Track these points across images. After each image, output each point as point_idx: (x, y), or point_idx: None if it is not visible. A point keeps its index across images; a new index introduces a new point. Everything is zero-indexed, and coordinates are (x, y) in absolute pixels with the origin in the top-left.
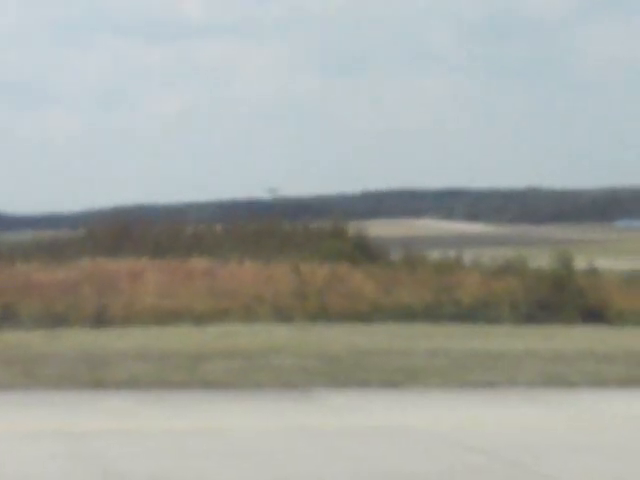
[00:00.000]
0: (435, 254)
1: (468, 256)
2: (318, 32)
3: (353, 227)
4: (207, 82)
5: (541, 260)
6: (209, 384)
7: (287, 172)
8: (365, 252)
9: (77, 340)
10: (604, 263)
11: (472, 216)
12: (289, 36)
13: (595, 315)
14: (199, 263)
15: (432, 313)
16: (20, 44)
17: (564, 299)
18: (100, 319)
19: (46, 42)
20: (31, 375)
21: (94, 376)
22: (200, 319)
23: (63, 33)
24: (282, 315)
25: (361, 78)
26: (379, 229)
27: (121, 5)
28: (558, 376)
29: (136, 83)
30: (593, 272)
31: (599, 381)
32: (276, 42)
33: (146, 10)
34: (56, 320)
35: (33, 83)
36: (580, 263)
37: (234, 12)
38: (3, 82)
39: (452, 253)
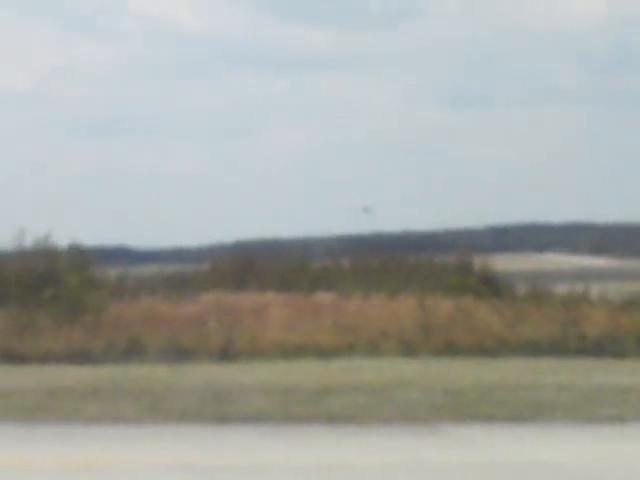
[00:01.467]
0: (561, 288)
1: (594, 290)
2: (444, 66)
3: (478, 261)
4: (330, 115)
5: None
6: (334, 418)
7: (413, 205)
8: (490, 286)
9: (202, 374)
10: None
11: (598, 250)
12: (415, 69)
13: None
14: (324, 297)
15: (558, 348)
16: (140, 81)
17: None
18: (225, 353)
19: (173, 75)
20: (157, 409)
21: (219, 410)
22: (325, 353)
23: (189, 67)
24: (407, 350)
25: (486, 112)
26: (504, 263)
27: (246, 39)
28: None
29: (263, 116)
30: None
31: None
32: (403, 76)
33: (266, 42)
34: (182, 354)
35: (160, 117)
36: None
37: (356, 46)
38: (128, 117)
39: (578, 287)
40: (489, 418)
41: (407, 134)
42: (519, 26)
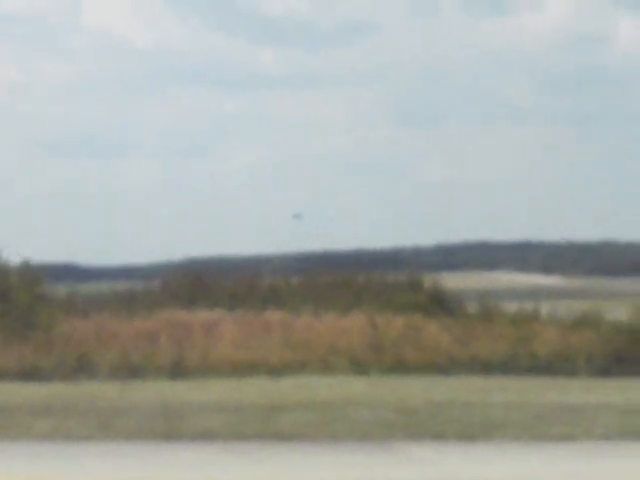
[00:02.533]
0: (511, 306)
1: (544, 309)
2: (395, 85)
3: (428, 279)
4: (282, 133)
5: (617, 313)
6: (285, 436)
7: (363, 223)
8: (441, 304)
9: (153, 391)
10: None
11: (547, 269)
12: (368, 88)
13: None
14: (275, 315)
15: (509, 366)
16: (98, 96)
17: None
18: (176, 370)
19: (123, 94)
20: (107, 426)
21: (169, 428)
22: (276, 371)
23: (141, 85)
24: (358, 367)
25: (437, 130)
26: (454, 281)
27: (198, 57)
28: (634, 429)
29: (214, 135)
30: None
31: None
32: (348, 94)
33: (220, 60)
34: (132, 371)
35: (110, 136)
36: None
37: (306, 64)
38: (82, 134)
39: (528, 306)
40: (440, 436)
41: (359, 153)
42: (473, 45)
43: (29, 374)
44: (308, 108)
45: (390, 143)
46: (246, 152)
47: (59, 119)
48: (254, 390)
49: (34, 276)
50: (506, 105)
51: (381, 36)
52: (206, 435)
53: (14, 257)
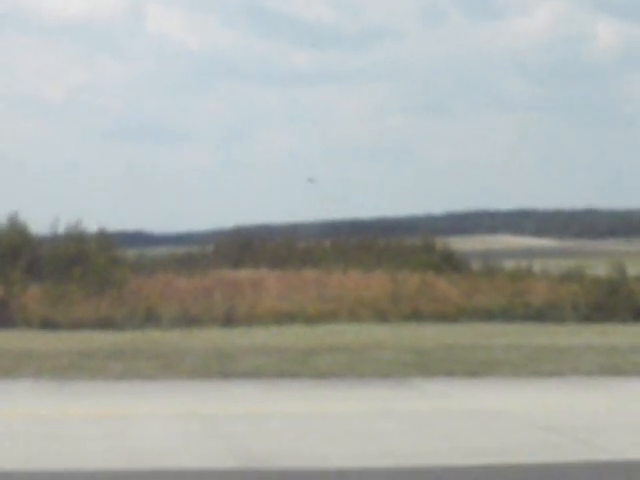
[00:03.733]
0: (509, 265)
1: (537, 266)
2: (409, 80)
3: (439, 242)
4: (314, 122)
5: (598, 269)
6: (319, 375)
7: (383, 196)
8: (450, 263)
9: (208, 337)
10: None
11: (540, 232)
12: (385, 84)
13: None
14: (310, 273)
15: (507, 314)
16: (157, 92)
17: (618, 301)
18: (228, 320)
19: (179, 89)
20: (170, 367)
21: (223, 368)
22: (311, 320)
23: (193, 82)
24: (380, 316)
25: (444, 118)
26: (461, 244)
27: (242, 57)
28: (613, 366)
29: (255, 123)
30: None
31: None
32: (369, 89)
33: (259, 60)
34: (191, 321)
35: (168, 124)
36: (631, 271)
37: (334, 64)
38: (145, 124)
39: (523, 264)
40: (450, 373)
41: (378, 137)
42: (473, 45)
43: (105, 324)
44: (335, 100)
45: (404, 128)
46: (283, 137)
47: (122, 112)
48: (293, 336)
49: (109, 242)
50: (501, 96)
51: (397, 39)
52: (253, 373)
53: (92, 226)
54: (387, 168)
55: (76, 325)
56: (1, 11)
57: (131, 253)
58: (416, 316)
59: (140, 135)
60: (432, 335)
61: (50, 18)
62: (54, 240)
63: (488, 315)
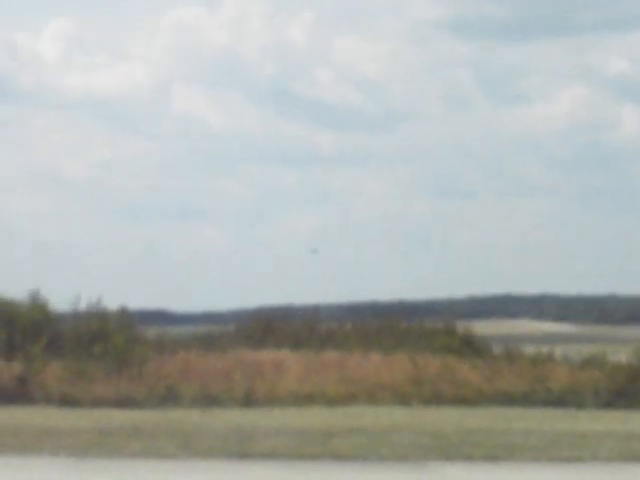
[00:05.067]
0: (530, 349)
1: (558, 351)
2: (431, 164)
3: (461, 326)
4: (335, 204)
5: (620, 355)
6: (339, 457)
7: (405, 279)
8: (471, 347)
9: (228, 417)
10: None
11: (561, 317)
12: (409, 167)
13: None
14: (331, 355)
15: (528, 399)
16: (180, 171)
17: (639, 388)
18: (248, 400)
19: (202, 169)
20: (189, 446)
21: (242, 448)
22: (331, 402)
23: (215, 162)
24: (401, 399)
25: (467, 202)
26: (482, 328)
27: (265, 138)
28: (633, 453)
29: (277, 204)
30: None
31: None
32: (391, 171)
33: (283, 141)
34: (211, 400)
35: (190, 204)
36: None
37: (356, 145)
38: (166, 203)
39: (544, 349)
40: (469, 458)
41: (401, 220)
42: (496, 130)
43: (124, 402)
44: (357, 182)
45: (427, 212)
46: (304, 218)
47: (144, 191)
48: (313, 417)
49: (129, 320)
50: (523, 181)
51: (421, 122)
52: (273, 455)
53: (113, 304)
54: (409, 251)
55: (96, 403)
56: (24, 87)
57: (152, 332)
58: (436, 399)
59: (162, 214)
60: (452, 419)
61: (73, 95)
62: (75, 317)
63: (508, 399)
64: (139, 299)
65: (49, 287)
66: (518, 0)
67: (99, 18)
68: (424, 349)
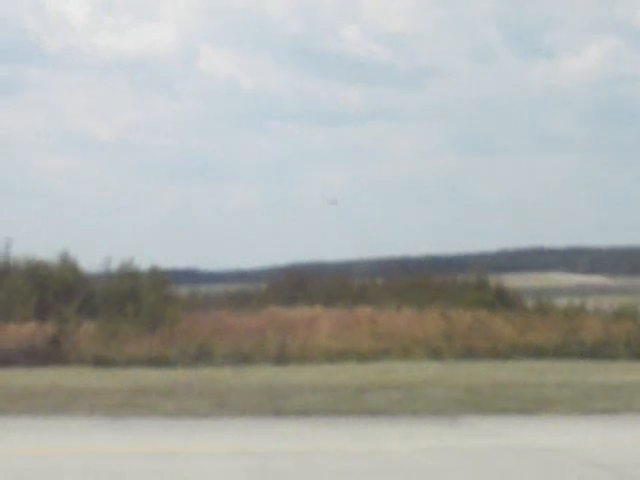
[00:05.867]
0: (562, 302)
1: (590, 304)
2: (459, 120)
3: (493, 280)
4: (362, 161)
5: None
6: (372, 412)
7: (435, 234)
8: (503, 301)
9: (261, 375)
10: None
11: (593, 270)
12: (434, 122)
13: None
14: (363, 311)
15: (560, 352)
16: (208, 131)
17: None
18: (280, 357)
19: (230, 128)
20: (222, 405)
21: (275, 406)
22: (364, 357)
23: (244, 121)
24: (433, 354)
25: (494, 157)
26: (514, 281)
27: (293, 96)
28: None
29: (306, 162)
30: None
31: None
32: (420, 127)
33: (310, 99)
34: (243, 358)
35: (219, 164)
36: None
37: (385, 102)
38: (196, 162)
39: (576, 301)
40: (502, 411)
41: (431, 176)
42: (525, 85)
43: (157, 361)
44: (385, 139)
45: (455, 167)
46: (333, 176)
47: (173, 151)
48: (346, 373)
49: (161, 279)
50: (552, 135)
51: (448, 78)
52: (306, 411)
53: (144, 264)
54: (439, 206)
55: (129, 363)
56: (53, 50)
57: (183, 291)
58: (469, 354)
59: (191, 174)
60: (485, 373)
61: (101, 57)
62: (106, 278)
63: (541, 353)
64: (170, 258)
65: (80, 247)
66: None
67: None
68: (456, 303)
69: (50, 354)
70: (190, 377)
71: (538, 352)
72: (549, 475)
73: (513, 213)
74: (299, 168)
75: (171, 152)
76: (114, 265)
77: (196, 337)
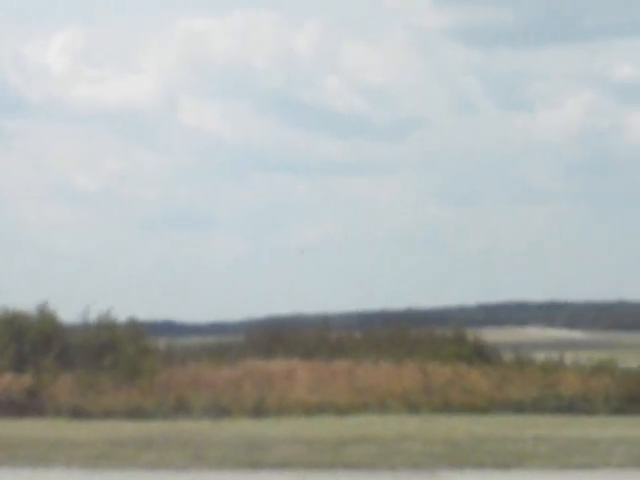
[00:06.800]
0: (540, 356)
1: (568, 358)
2: (441, 171)
3: (471, 333)
4: (345, 212)
5: (630, 361)
6: (349, 466)
7: (414, 287)
8: (481, 355)
9: (239, 428)
10: None
11: (571, 324)
12: (416, 175)
13: None
14: (341, 364)
15: (538, 406)
16: (190, 182)
17: None
18: (258, 410)
19: (211, 179)
20: (200, 457)
21: (253, 458)
22: (342, 411)
23: (226, 173)
24: (411, 408)
25: (476, 209)
26: (492, 335)
27: (274, 148)
28: None
29: (286, 213)
30: None
31: None
32: (401, 179)
33: (292, 151)
34: (221, 410)
35: (199, 214)
36: None
37: (366, 153)
38: (176, 214)
39: (554, 355)
40: (480, 465)
41: (410, 228)
42: (506, 137)
43: (135, 413)
44: (366, 191)
45: (436, 219)
46: (314, 227)
47: (155, 203)
48: (324, 427)
49: (139, 331)
50: (532, 187)
51: (429, 130)
52: (284, 464)
53: (122, 315)
54: (419, 259)
55: (106, 414)
56: (34, 100)
57: (161, 342)
58: (447, 407)
59: (170, 225)
60: (462, 427)
61: (82, 107)
62: (84, 329)
63: (519, 407)
64: (148, 310)
65: (58, 298)
66: (524, 7)
67: (106, 30)
68: (434, 357)
69: (27, 405)
70: (168, 429)
71: (516, 406)
72: None
73: (492, 266)
74: (280, 219)
75: (151, 203)
76: (92, 316)
77: (174, 389)
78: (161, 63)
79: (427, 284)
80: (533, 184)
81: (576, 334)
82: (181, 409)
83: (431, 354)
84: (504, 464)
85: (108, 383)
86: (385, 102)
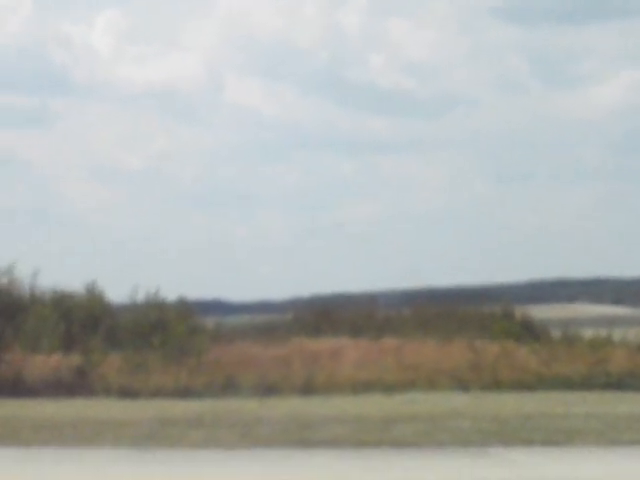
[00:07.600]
0: (588, 333)
1: (616, 334)
2: (488, 149)
3: (519, 311)
4: (391, 190)
5: None
6: (398, 444)
7: (461, 265)
8: (529, 331)
9: (287, 406)
10: None
11: (617, 300)
12: (463, 152)
13: None
14: (389, 341)
15: (587, 383)
16: (235, 160)
17: None
18: (306, 388)
19: (257, 158)
20: (249, 436)
21: (301, 437)
22: (390, 389)
23: (269, 151)
24: (460, 385)
25: (524, 186)
26: (541, 312)
27: (318, 126)
28: None
29: (331, 191)
30: None
31: None
32: (448, 157)
33: (337, 129)
34: (269, 389)
35: (245, 193)
36: None
37: (412, 131)
38: (222, 192)
39: (602, 332)
40: (529, 442)
41: (457, 206)
42: (552, 114)
43: (184, 392)
44: (412, 169)
45: (483, 197)
46: (359, 205)
47: (200, 180)
48: (372, 404)
49: (188, 310)
50: (579, 164)
51: (475, 107)
52: (332, 443)
53: (171, 294)
54: (465, 236)
55: (155, 394)
56: (79, 80)
57: (209, 321)
58: (495, 385)
59: (217, 203)
60: (511, 404)
61: (126, 87)
62: (133, 308)
63: (567, 384)
64: (196, 289)
65: (107, 278)
66: None
67: (149, 9)
68: (482, 334)
69: (76, 385)
70: (216, 408)
71: (564, 383)
72: None
73: (539, 243)
74: (324, 197)
75: (197, 181)
76: (140, 296)
77: (222, 368)
78: (205, 41)
79: (474, 262)
80: (580, 161)
81: (623, 310)
82: (229, 388)
83: (479, 331)
84: (553, 441)
85: (156, 363)
86: (430, 80)
